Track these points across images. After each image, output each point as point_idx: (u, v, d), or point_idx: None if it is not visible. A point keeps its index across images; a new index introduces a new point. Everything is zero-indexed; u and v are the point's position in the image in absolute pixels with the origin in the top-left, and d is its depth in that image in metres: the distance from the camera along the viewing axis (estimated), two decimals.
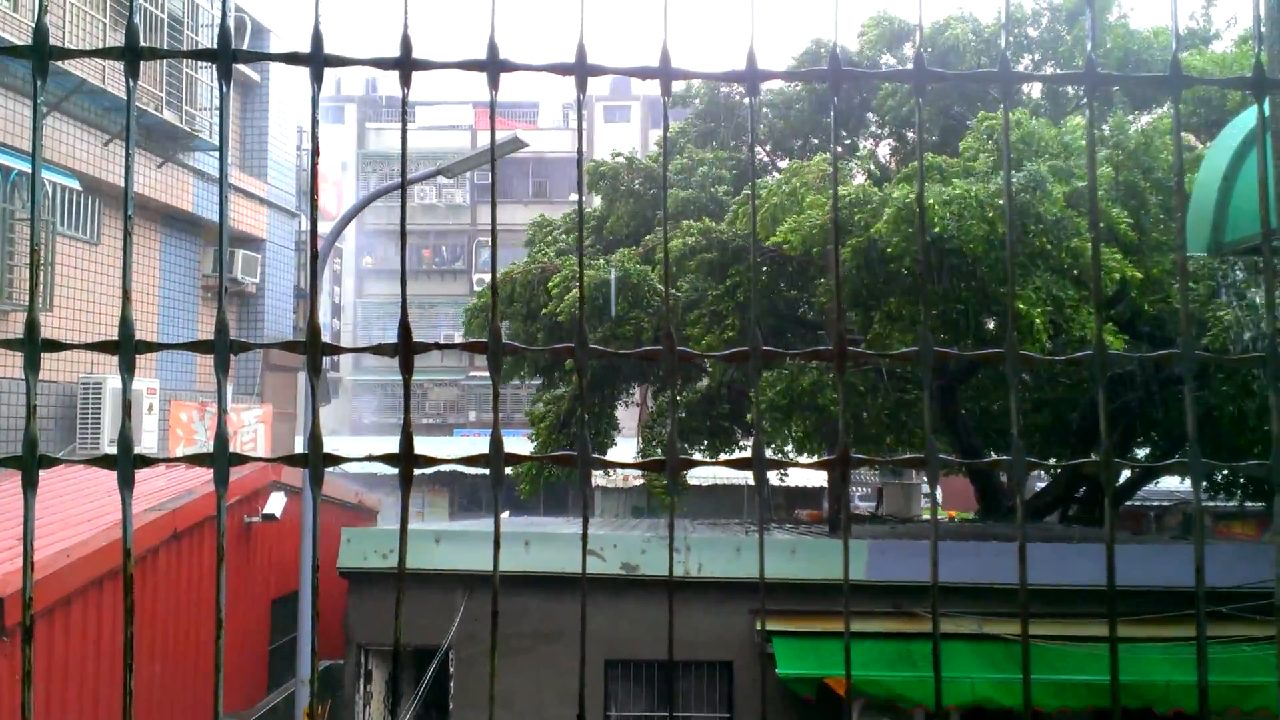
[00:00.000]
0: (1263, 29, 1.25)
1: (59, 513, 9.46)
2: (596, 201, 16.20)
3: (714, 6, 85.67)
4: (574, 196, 34.79)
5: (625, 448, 15.88)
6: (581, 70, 1.10)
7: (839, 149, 14.06)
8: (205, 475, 10.36)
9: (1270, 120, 1.22)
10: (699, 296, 12.26)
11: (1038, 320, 9.00)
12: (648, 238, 14.18)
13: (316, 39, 1.11)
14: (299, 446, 16.15)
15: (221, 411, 1.11)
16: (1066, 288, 9.37)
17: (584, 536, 1.04)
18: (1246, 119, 3.12)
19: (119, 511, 7.58)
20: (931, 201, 9.17)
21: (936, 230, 9.12)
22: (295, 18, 18.23)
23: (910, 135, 14.61)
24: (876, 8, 18.23)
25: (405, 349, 1.10)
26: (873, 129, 15.48)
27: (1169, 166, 10.02)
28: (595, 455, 1.08)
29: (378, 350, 1.13)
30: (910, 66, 1.15)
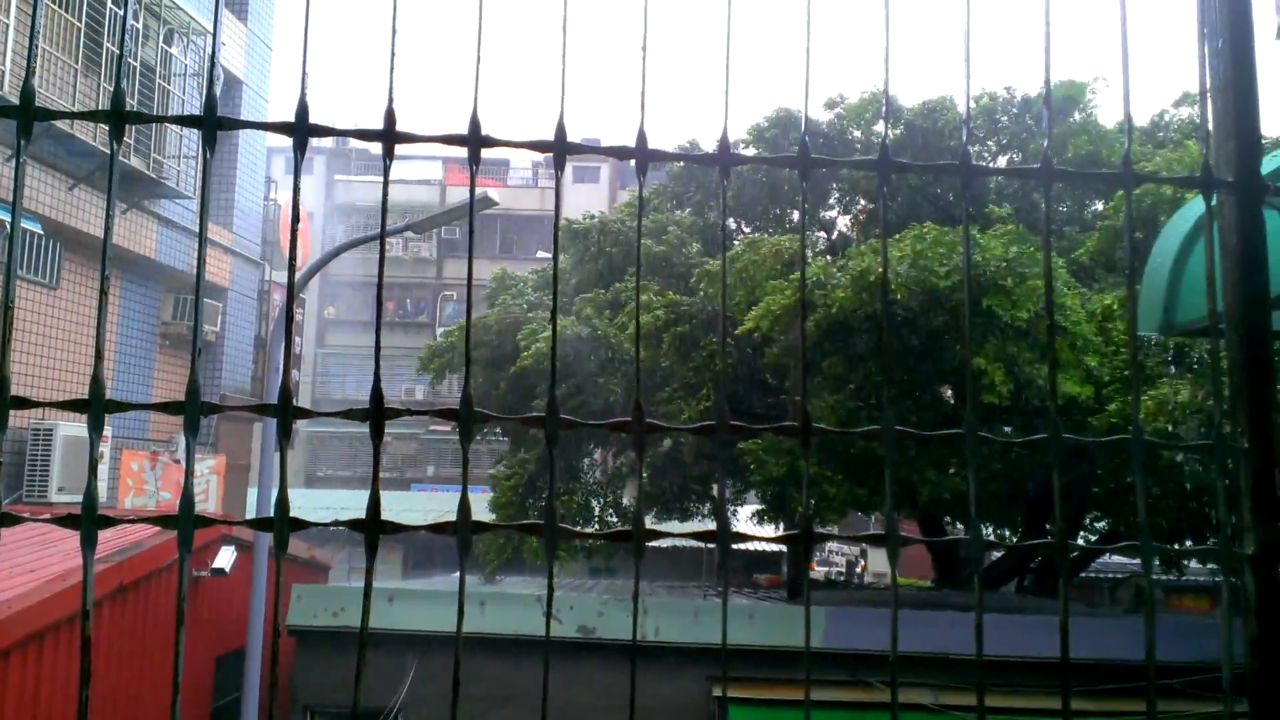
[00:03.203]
0: (1210, 129, 1.32)
1: (0, 561, 9.20)
2: (563, 259, 16.30)
3: (688, 54, 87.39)
4: (540, 254, 34.94)
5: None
6: (561, 149, 1.14)
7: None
8: (153, 528, 10.15)
9: (1216, 214, 1.29)
10: (670, 372, 12.30)
11: (997, 377, 9.28)
12: (616, 285, 14.20)
13: (301, 108, 1.13)
14: (252, 499, 15.85)
15: (188, 473, 1.11)
16: (1023, 349, 9.59)
17: (548, 606, 1.04)
18: (1195, 206, 3.24)
19: (61, 562, 7.39)
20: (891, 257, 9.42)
21: (893, 290, 9.37)
22: (265, 62, 18.32)
23: (870, 204, 14.92)
24: (839, 75, 18.73)
25: (377, 415, 1.11)
26: (833, 200, 15.80)
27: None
28: (563, 525, 1.09)
29: (349, 415, 1.14)
30: (879, 135, 1.19)
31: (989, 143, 14.86)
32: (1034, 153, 14.56)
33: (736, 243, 13.04)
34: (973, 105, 14.39)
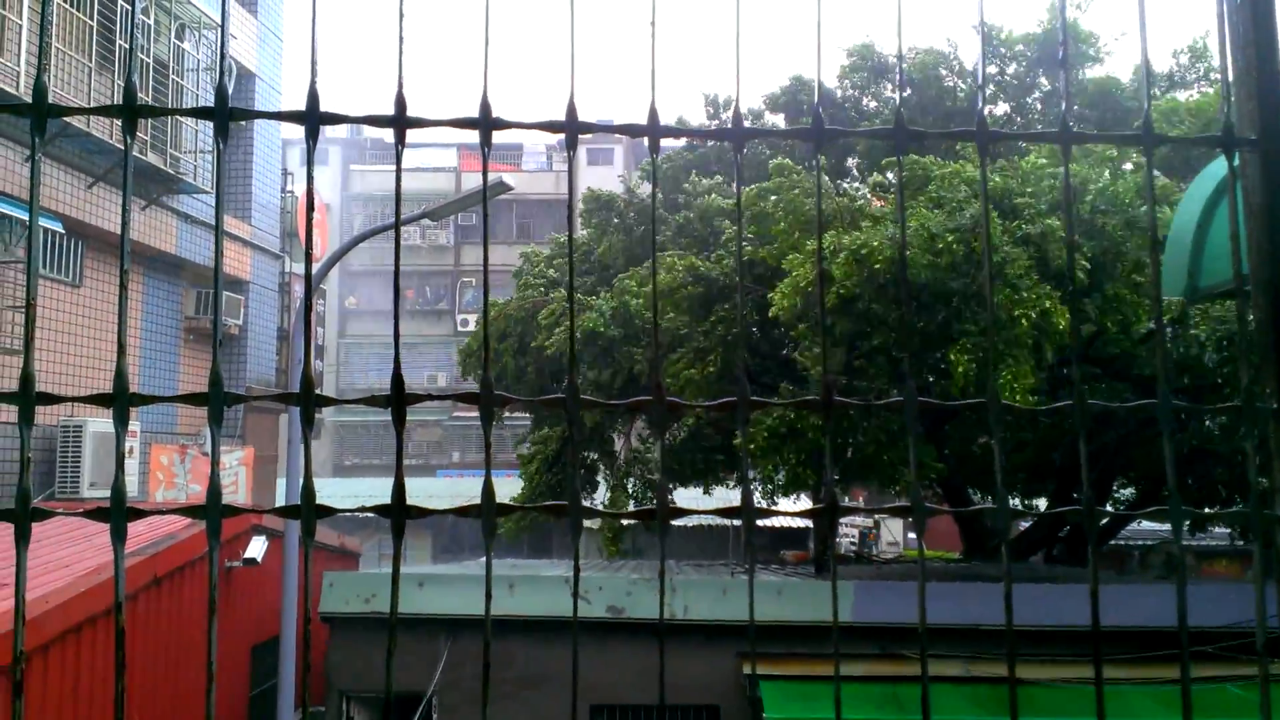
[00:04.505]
0: (1230, 87, 1.30)
1: (35, 558, 9.33)
2: (581, 232, 16.31)
3: (699, 24, 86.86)
4: (556, 236, 34.91)
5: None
6: (572, 128, 1.13)
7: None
8: (184, 519, 10.24)
9: (1239, 173, 1.26)
10: (684, 334, 12.27)
11: (961, 369, 9.22)
12: (640, 267, 14.22)
13: (312, 97, 1.13)
14: (281, 489, 16.00)
15: (214, 464, 1.11)
16: (997, 343, 9.33)
17: (575, 587, 1.04)
18: (1218, 167, 3.20)
19: (95, 557, 7.48)
20: (878, 243, 9.38)
21: (878, 266, 9.34)
22: (276, 53, 18.35)
23: (888, 175, 14.80)
24: (855, 38, 18.53)
25: (398, 400, 1.11)
26: (853, 171, 15.69)
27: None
28: (586, 505, 1.09)
29: (370, 402, 1.14)
30: (893, 100, 1.18)
31: (998, 101, 14.69)
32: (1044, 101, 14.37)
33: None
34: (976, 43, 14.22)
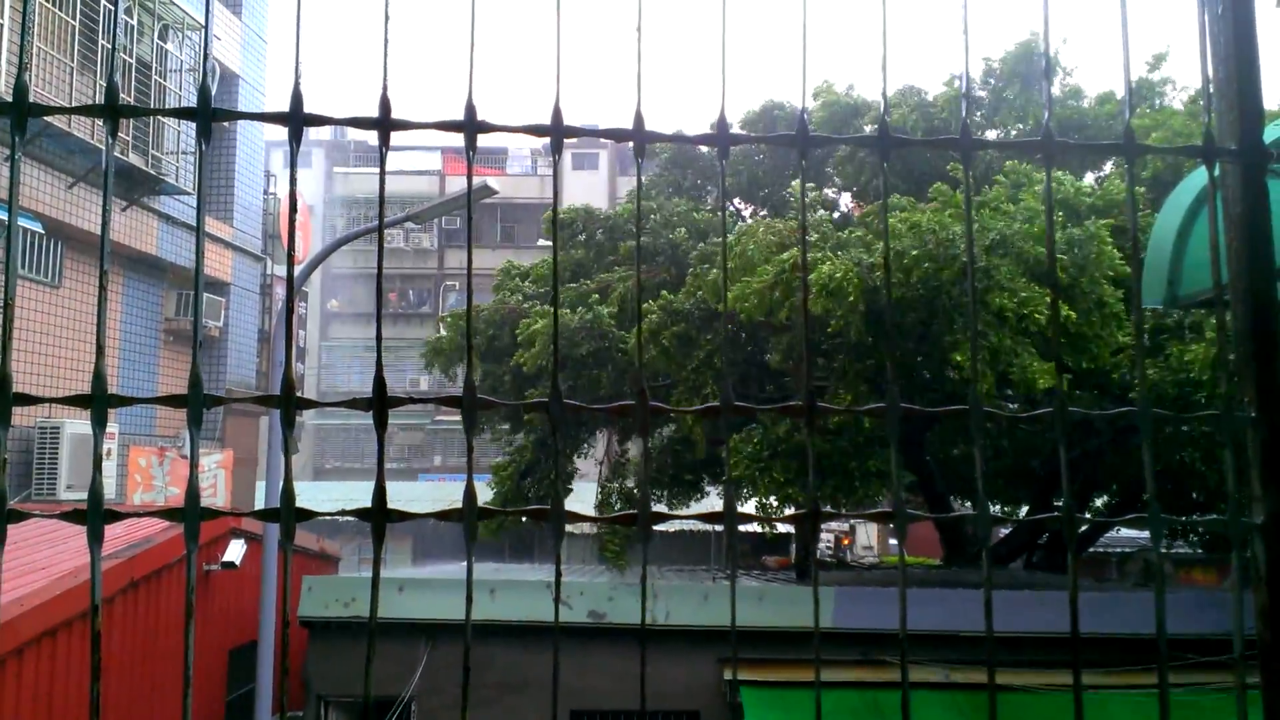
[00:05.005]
0: (1211, 97, 1.31)
1: (11, 560, 9.24)
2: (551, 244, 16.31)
3: (681, 45, 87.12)
4: (541, 241, 34.89)
5: (580, 493, 15.98)
6: (557, 132, 1.13)
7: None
8: (162, 522, 10.15)
9: (1219, 183, 1.28)
10: (672, 373, 12.23)
11: (963, 361, 9.25)
12: (603, 275, 14.23)
13: (296, 98, 1.13)
14: (260, 492, 15.92)
15: (193, 466, 1.11)
16: (1004, 337, 9.38)
17: (556, 591, 1.04)
18: (1197, 177, 3.23)
19: (71, 559, 7.39)
20: (841, 273, 9.47)
21: (851, 299, 9.43)
22: (260, 56, 18.27)
23: (870, 184, 14.87)
24: (825, 75, 18.67)
25: (380, 403, 1.11)
26: (834, 181, 15.75)
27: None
28: (568, 510, 1.08)
29: (352, 405, 1.13)
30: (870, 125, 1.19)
31: (973, 115, 14.81)
32: (1015, 118, 14.46)
33: (739, 224, 12.94)
34: (944, 88, 14.35)
